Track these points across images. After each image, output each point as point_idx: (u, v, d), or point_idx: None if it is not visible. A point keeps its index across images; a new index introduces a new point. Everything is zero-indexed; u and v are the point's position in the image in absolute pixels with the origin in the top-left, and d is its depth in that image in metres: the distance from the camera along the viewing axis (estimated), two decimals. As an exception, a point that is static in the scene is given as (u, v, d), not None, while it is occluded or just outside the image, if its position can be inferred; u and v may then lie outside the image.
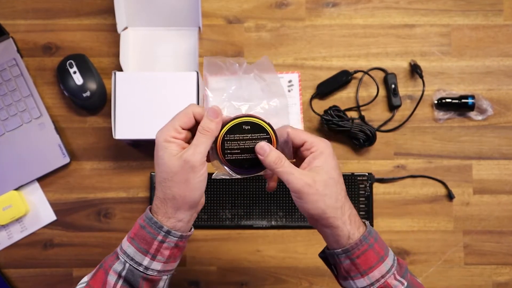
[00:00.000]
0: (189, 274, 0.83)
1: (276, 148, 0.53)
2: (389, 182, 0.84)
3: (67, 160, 0.83)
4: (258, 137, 0.53)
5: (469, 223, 0.84)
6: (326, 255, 0.57)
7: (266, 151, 0.52)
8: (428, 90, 0.85)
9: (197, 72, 0.78)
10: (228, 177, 0.55)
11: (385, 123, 0.85)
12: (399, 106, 0.84)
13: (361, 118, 0.85)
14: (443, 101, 0.84)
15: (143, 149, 0.85)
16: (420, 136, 0.85)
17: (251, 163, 0.53)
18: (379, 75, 0.86)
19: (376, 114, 0.85)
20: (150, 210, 0.53)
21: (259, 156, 0.52)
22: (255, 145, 0.53)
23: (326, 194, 0.51)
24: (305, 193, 0.50)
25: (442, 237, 0.84)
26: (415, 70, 0.84)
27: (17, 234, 0.83)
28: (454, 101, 0.84)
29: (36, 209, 0.83)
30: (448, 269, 0.83)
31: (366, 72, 0.85)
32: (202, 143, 0.51)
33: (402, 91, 0.85)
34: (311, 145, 0.53)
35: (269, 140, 0.53)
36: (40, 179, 0.83)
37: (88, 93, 0.82)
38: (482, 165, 0.85)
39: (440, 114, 0.85)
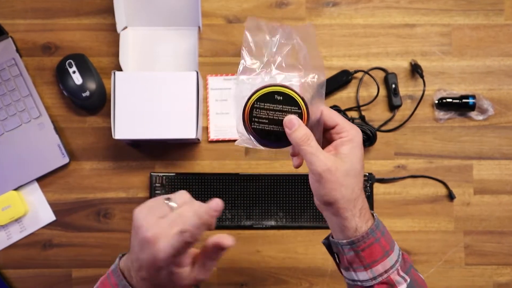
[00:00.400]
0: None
1: (306, 126, 0.50)
2: (390, 182, 0.84)
3: (66, 160, 0.83)
4: (289, 110, 0.50)
5: (470, 223, 0.84)
6: (329, 242, 0.56)
7: (295, 125, 0.50)
8: (428, 90, 0.85)
9: (197, 72, 0.78)
10: (251, 146, 0.53)
11: (386, 123, 0.85)
12: (399, 106, 0.84)
13: (362, 118, 0.84)
14: (444, 101, 0.84)
15: (143, 149, 0.85)
16: (420, 136, 0.85)
17: (277, 136, 0.51)
18: (380, 75, 0.86)
19: (377, 114, 0.85)
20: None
21: (286, 130, 0.50)
22: (284, 117, 0.50)
23: (344, 185, 0.49)
24: (324, 178, 0.49)
25: (442, 238, 0.84)
26: (415, 70, 0.84)
27: (16, 234, 0.82)
28: (454, 101, 0.84)
29: (36, 209, 0.83)
30: (449, 270, 0.83)
31: (366, 72, 0.85)
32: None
33: (402, 91, 0.85)
34: (342, 130, 0.51)
35: (300, 116, 0.50)
36: (39, 179, 0.83)
37: (87, 93, 0.82)
38: (483, 165, 0.85)
39: (440, 114, 0.85)
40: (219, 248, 0.48)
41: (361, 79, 0.86)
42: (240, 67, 0.52)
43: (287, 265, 0.83)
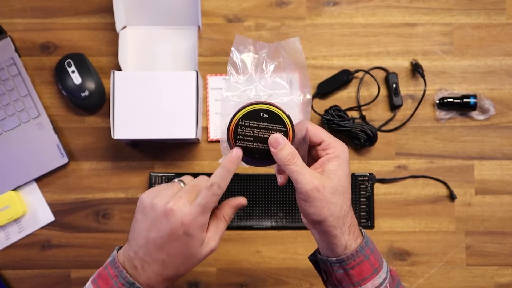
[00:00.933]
0: (188, 275, 0.83)
1: (292, 144, 0.51)
2: (390, 183, 0.84)
3: (65, 160, 0.83)
4: (275, 127, 0.50)
5: (471, 224, 0.84)
6: (316, 259, 0.56)
7: (280, 144, 0.49)
8: (429, 90, 0.85)
9: (196, 71, 0.77)
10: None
11: (386, 123, 0.85)
12: (400, 105, 0.84)
13: (362, 118, 0.84)
14: (445, 100, 0.84)
15: (142, 149, 0.84)
16: (421, 136, 0.85)
17: (262, 154, 0.51)
18: (380, 75, 0.86)
19: (377, 113, 0.85)
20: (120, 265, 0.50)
21: (271, 149, 0.50)
22: (269, 135, 0.50)
23: (332, 202, 0.49)
24: (312, 197, 0.49)
25: (443, 238, 0.84)
26: (416, 70, 0.84)
27: (14, 235, 0.82)
28: (456, 100, 0.83)
29: (34, 210, 0.83)
30: (450, 270, 0.83)
31: (367, 72, 0.85)
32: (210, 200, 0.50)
33: (403, 90, 0.85)
34: (328, 146, 0.51)
35: (286, 134, 0.50)
36: (38, 180, 0.83)
37: (86, 93, 0.82)
38: (484, 165, 0.84)
39: (441, 114, 0.85)
40: (234, 208, 0.54)
41: (361, 79, 0.85)
42: (226, 84, 0.52)
43: (287, 265, 0.83)
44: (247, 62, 0.52)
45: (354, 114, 0.85)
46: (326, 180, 0.49)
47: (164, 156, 0.85)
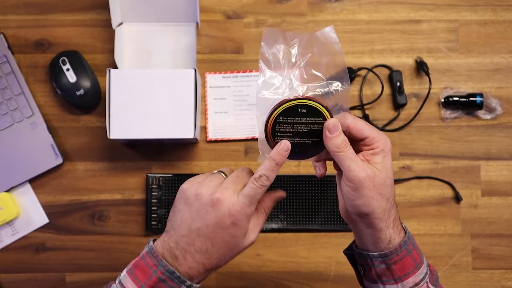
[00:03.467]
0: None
1: None
2: (395, 184, 0.84)
3: (60, 160, 0.83)
4: (314, 121, 0.51)
5: (477, 226, 0.84)
6: (353, 253, 0.56)
7: (338, 130, 0.50)
8: (434, 88, 0.85)
9: (195, 69, 0.77)
10: None
11: (390, 122, 0.85)
12: (404, 104, 0.84)
13: (365, 117, 0.84)
14: (450, 99, 0.84)
15: (139, 149, 0.84)
16: (426, 135, 0.85)
17: (302, 148, 0.52)
18: (384, 73, 0.86)
19: (381, 113, 0.85)
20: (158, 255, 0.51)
21: (327, 134, 0.50)
22: (309, 129, 0.51)
23: (381, 193, 0.50)
24: (363, 186, 0.49)
25: (449, 241, 0.83)
26: (421, 67, 0.84)
27: (8, 237, 0.82)
28: (461, 99, 0.83)
29: (28, 212, 0.83)
30: (456, 274, 0.83)
31: (370, 70, 0.85)
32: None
33: (407, 89, 0.85)
34: (372, 141, 0.51)
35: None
36: (32, 181, 0.83)
37: (81, 91, 0.82)
38: (491, 166, 0.84)
39: (447, 113, 0.84)
40: (274, 200, 0.55)
41: (364, 77, 0.85)
42: (260, 82, 0.52)
43: (288, 269, 0.83)
44: (279, 56, 0.51)
45: (357, 113, 0.85)
46: (376, 171, 0.50)
47: (161, 157, 0.84)
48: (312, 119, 0.51)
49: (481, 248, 0.83)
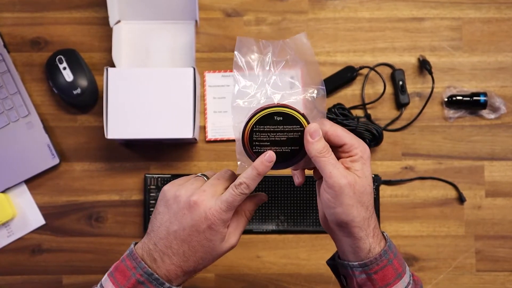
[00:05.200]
0: (186, 280, 0.82)
1: None
2: (397, 184, 0.84)
3: (56, 161, 0.82)
4: (291, 129, 0.51)
5: (481, 227, 0.84)
6: (336, 264, 0.56)
7: (319, 135, 0.50)
8: (437, 87, 0.85)
9: (194, 68, 0.77)
10: None
11: (393, 122, 0.85)
12: (407, 104, 0.84)
13: (367, 116, 0.84)
14: (454, 98, 0.84)
15: (137, 150, 0.84)
16: (429, 135, 0.85)
17: (281, 157, 0.52)
18: (386, 71, 0.86)
19: (383, 112, 0.85)
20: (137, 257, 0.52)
21: (308, 139, 0.50)
22: (287, 137, 0.51)
23: (361, 201, 0.49)
24: (344, 193, 0.49)
25: (452, 242, 0.83)
26: (424, 66, 0.84)
27: (3, 239, 0.82)
28: (465, 98, 0.83)
29: (24, 213, 0.83)
30: (459, 276, 0.83)
31: (372, 68, 0.85)
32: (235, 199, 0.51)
33: (410, 88, 0.85)
34: (351, 148, 0.51)
35: (302, 133, 0.51)
36: (28, 181, 0.83)
37: (78, 90, 0.82)
38: (495, 166, 0.84)
39: (450, 113, 0.84)
40: (255, 204, 0.55)
41: (366, 76, 0.85)
42: (234, 91, 0.52)
43: (288, 271, 0.83)
44: (252, 64, 0.52)
45: (358, 112, 0.85)
46: (356, 178, 0.50)
47: (159, 157, 0.84)
48: (289, 127, 0.51)
49: (485, 250, 0.83)
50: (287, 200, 0.83)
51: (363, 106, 0.85)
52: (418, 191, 0.84)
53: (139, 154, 0.84)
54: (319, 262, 0.83)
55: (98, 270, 0.83)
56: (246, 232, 0.83)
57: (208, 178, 0.54)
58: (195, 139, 0.81)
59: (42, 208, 0.83)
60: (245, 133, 0.51)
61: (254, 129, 0.51)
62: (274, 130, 0.51)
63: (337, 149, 0.51)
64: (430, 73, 0.83)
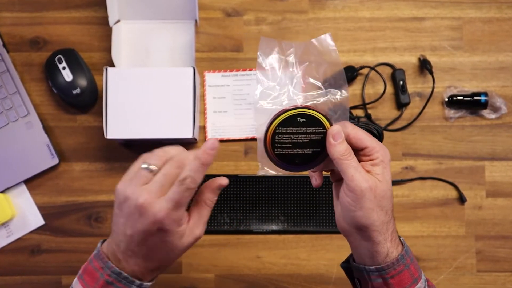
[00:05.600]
0: (185, 282, 0.83)
1: None
2: (397, 185, 0.84)
3: (56, 161, 0.82)
4: (314, 131, 0.51)
5: (482, 227, 0.84)
6: (350, 267, 0.56)
7: (342, 137, 0.49)
8: (438, 87, 0.85)
9: (193, 67, 0.77)
10: (275, 174, 0.53)
11: (393, 121, 0.85)
12: (407, 104, 0.84)
13: (368, 116, 0.84)
14: (454, 98, 0.84)
15: (137, 150, 0.84)
16: (430, 135, 0.85)
17: (302, 159, 0.52)
18: (387, 71, 0.86)
19: (383, 112, 0.85)
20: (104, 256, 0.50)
21: (331, 141, 0.49)
22: (309, 139, 0.51)
23: (381, 205, 0.49)
24: (365, 197, 0.48)
25: (453, 243, 0.83)
26: (424, 66, 0.84)
27: (2, 239, 0.82)
28: (466, 98, 0.83)
29: (23, 213, 0.83)
30: (460, 277, 0.83)
31: (372, 68, 0.85)
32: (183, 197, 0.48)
33: (410, 88, 0.85)
34: (372, 152, 0.50)
35: (325, 135, 0.51)
36: (27, 181, 0.83)
37: (78, 90, 0.82)
38: (495, 167, 0.84)
39: (451, 113, 0.84)
40: (215, 190, 0.52)
41: (367, 76, 0.85)
42: (257, 92, 0.52)
43: (288, 272, 0.83)
44: (275, 66, 0.52)
45: (359, 112, 0.85)
46: (377, 182, 0.50)
47: (159, 157, 0.84)
48: (312, 128, 0.51)
49: (486, 250, 0.83)
50: (287, 200, 0.83)
51: (363, 106, 0.85)
52: (419, 191, 0.84)
53: (139, 154, 0.84)
54: (319, 262, 0.83)
55: (98, 270, 0.83)
56: (245, 232, 0.83)
57: (152, 170, 0.50)
58: (195, 139, 0.81)
59: (42, 208, 0.83)
60: (267, 135, 0.51)
61: (277, 131, 0.51)
62: (296, 132, 0.51)
63: (358, 152, 0.51)
64: (431, 73, 0.83)
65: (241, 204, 0.83)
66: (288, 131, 0.51)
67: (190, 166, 0.48)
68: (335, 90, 0.52)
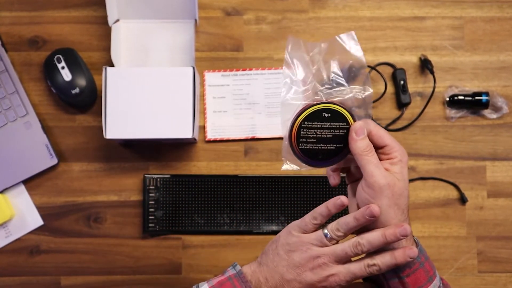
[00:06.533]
0: (185, 282, 0.83)
1: None
2: (398, 185, 0.84)
3: (55, 161, 0.82)
4: (338, 126, 0.52)
5: (483, 228, 0.83)
6: None
7: (364, 133, 0.51)
8: (439, 87, 0.85)
9: (193, 67, 0.77)
10: (297, 168, 0.54)
11: (394, 121, 0.85)
12: (408, 103, 0.84)
13: (368, 116, 0.84)
14: (455, 98, 0.83)
15: (136, 150, 0.84)
16: (431, 135, 0.85)
17: (326, 154, 0.53)
18: (387, 71, 0.86)
19: (384, 112, 0.85)
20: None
21: (353, 136, 0.51)
22: (332, 135, 0.52)
23: (398, 203, 0.50)
24: (383, 194, 0.49)
25: (454, 243, 0.83)
26: (425, 66, 0.84)
27: (1, 240, 0.82)
28: (467, 98, 0.83)
29: (22, 214, 0.83)
30: (461, 277, 0.83)
31: (373, 68, 0.85)
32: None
33: (411, 87, 0.85)
34: (391, 151, 0.52)
35: (348, 131, 0.52)
36: (26, 182, 0.83)
37: (77, 90, 0.82)
38: (497, 167, 0.84)
39: (452, 112, 0.84)
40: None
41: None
42: (284, 87, 0.53)
43: (289, 272, 0.83)
44: (301, 63, 0.53)
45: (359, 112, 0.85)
46: (396, 180, 0.50)
47: (159, 157, 0.84)
48: (336, 124, 0.52)
49: (487, 251, 0.83)
50: (287, 201, 0.83)
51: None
52: (420, 191, 0.84)
53: (138, 154, 0.84)
54: (319, 263, 0.83)
55: (97, 271, 0.83)
56: (245, 233, 0.83)
57: (328, 230, 0.51)
58: (195, 139, 0.81)
59: (40, 209, 0.83)
60: (293, 129, 0.52)
61: (303, 125, 0.51)
62: (321, 126, 0.52)
63: (377, 151, 0.52)
64: (432, 72, 0.83)
65: (241, 204, 0.83)
66: (313, 125, 0.52)
67: (384, 259, 0.50)
68: (359, 87, 0.53)
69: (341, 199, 0.50)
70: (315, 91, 0.52)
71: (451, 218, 0.84)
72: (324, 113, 0.51)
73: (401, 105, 0.84)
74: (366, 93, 0.53)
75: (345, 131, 0.52)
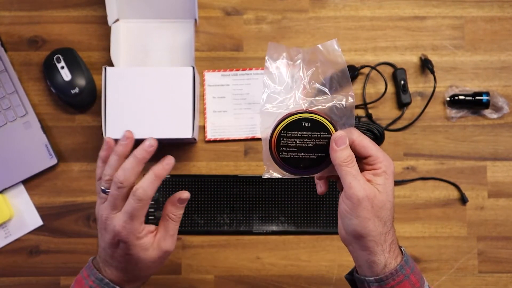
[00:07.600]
0: (185, 283, 0.83)
1: None
2: (398, 185, 0.84)
3: (54, 161, 0.83)
4: (319, 135, 0.51)
5: (484, 228, 0.84)
6: (353, 278, 0.56)
7: (345, 144, 0.50)
8: (439, 87, 0.85)
9: (193, 67, 0.77)
10: (280, 177, 0.54)
11: (394, 121, 0.85)
12: (408, 103, 0.84)
13: (368, 116, 0.84)
14: (456, 98, 0.84)
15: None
16: (431, 135, 0.85)
17: (307, 163, 0.52)
18: (388, 71, 0.86)
19: (384, 112, 0.85)
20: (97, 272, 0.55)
21: (334, 146, 0.50)
22: (314, 144, 0.51)
23: (378, 216, 0.50)
24: (361, 206, 0.49)
25: (454, 244, 0.83)
26: (426, 65, 0.84)
27: (0, 240, 0.82)
28: (467, 98, 0.83)
29: (21, 214, 0.83)
30: (461, 278, 0.83)
31: (373, 67, 0.85)
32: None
33: (412, 87, 0.85)
34: (375, 161, 0.51)
35: (329, 141, 0.51)
36: (25, 182, 0.83)
37: (76, 90, 0.82)
38: (497, 167, 0.84)
39: (452, 112, 0.85)
40: (177, 204, 0.55)
41: (367, 75, 0.85)
42: (264, 96, 0.53)
43: (289, 273, 0.83)
44: (282, 71, 0.53)
45: (360, 112, 0.85)
46: (376, 192, 0.50)
47: (158, 157, 0.84)
48: (317, 133, 0.51)
49: (488, 251, 0.83)
50: (287, 201, 0.83)
51: (364, 105, 0.85)
52: (420, 191, 0.84)
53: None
54: (319, 263, 0.83)
55: (96, 271, 0.83)
56: (245, 233, 0.83)
57: (106, 192, 0.54)
58: (194, 139, 0.81)
59: (40, 209, 0.83)
60: (272, 138, 0.52)
61: (282, 134, 0.51)
62: (301, 136, 0.51)
63: (361, 161, 0.52)
64: (432, 72, 0.84)
65: (241, 204, 0.83)
66: (293, 135, 0.51)
67: (145, 178, 0.52)
68: (341, 96, 0.52)
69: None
70: (295, 99, 0.52)
71: (452, 218, 0.84)
72: (303, 123, 0.51)
73: (402, 105, 0.85)
74: (348, 102, 0.52)
75: (327, 140, 0.51)
